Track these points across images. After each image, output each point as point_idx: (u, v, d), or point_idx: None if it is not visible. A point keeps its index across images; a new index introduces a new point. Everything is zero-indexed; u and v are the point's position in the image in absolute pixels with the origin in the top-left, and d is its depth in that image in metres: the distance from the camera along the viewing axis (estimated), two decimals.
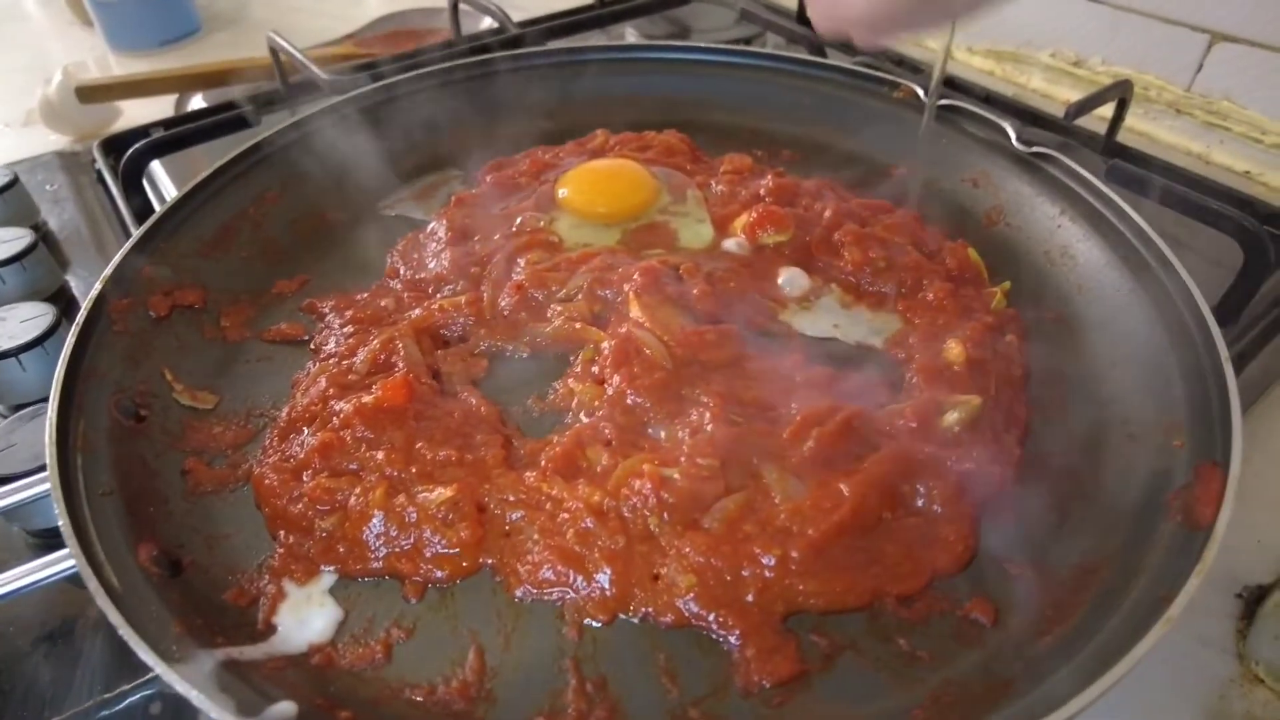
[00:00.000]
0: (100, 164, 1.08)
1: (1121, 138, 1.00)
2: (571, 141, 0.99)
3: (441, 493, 0.60)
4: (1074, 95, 1.12)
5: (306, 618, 0.58)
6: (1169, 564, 0.52)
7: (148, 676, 0.60)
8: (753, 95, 1.06)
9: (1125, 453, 0.63)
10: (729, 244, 0.83)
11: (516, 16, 1.23)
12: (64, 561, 0.55)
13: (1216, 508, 0.52)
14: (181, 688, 0.47)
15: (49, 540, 0.69)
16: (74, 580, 0.54)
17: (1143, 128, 1.20)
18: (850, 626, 0.56)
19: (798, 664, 0.54)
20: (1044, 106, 1.10)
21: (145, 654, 0.48)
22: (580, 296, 0.76)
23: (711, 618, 0.55)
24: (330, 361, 0.73)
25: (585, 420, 0.67)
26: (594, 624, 0.57)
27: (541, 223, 0.86)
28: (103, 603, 0.51)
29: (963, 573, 0.59)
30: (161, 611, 0.54)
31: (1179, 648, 0.61)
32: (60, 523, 0.55)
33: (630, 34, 1.44)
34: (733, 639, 0.55)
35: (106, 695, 0.61)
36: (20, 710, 0.60)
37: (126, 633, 0.49)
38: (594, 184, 0.89)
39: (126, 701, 0.60)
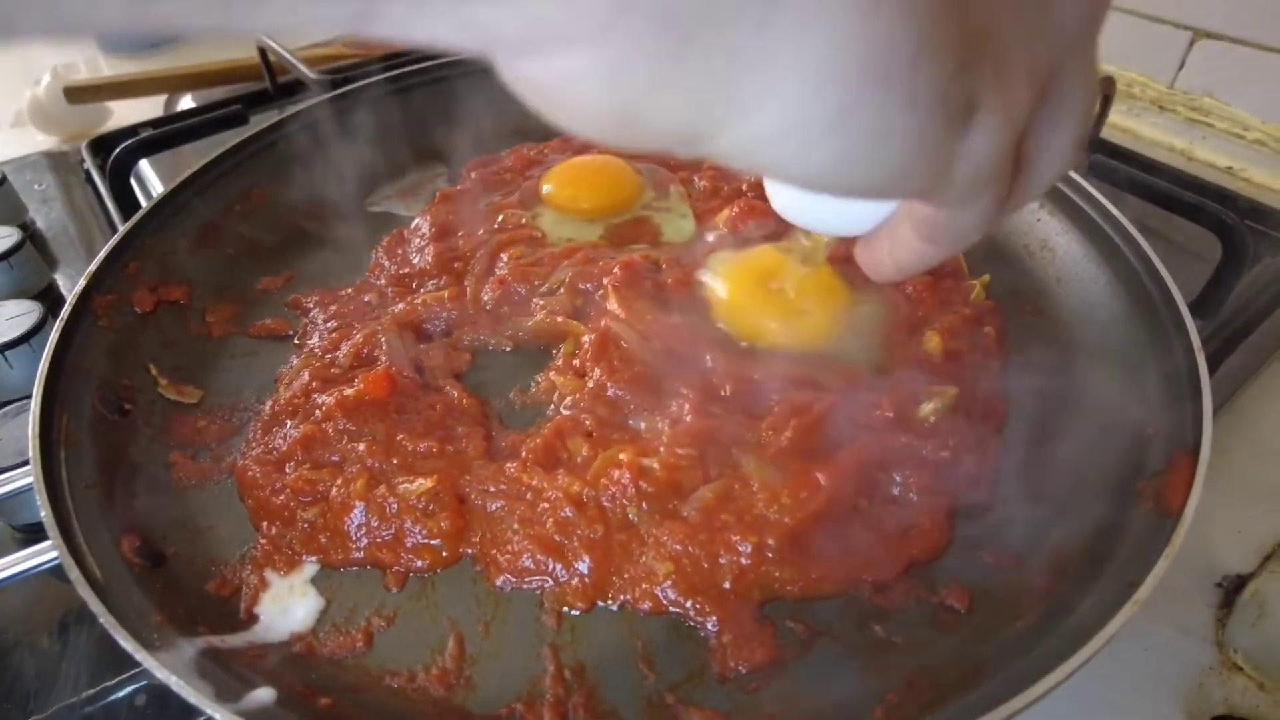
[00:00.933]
0: (88, 163, 1.08)
1: (1105, 134, 1.01)
2: (557, 138, 1.00)
3: (422, 483, 0.61)
4: None
5: (288, 607, 0.58)
6: (1140, 550, 0.53)
7: (133, 671, 0.61)
8: None
9: (1100, 441, 0.64)
10: (711, 238, 0.84)
11: None
12: (47, 553, 0.56)
13: (1186, 493, 0.53)
14: (161, 674, 0.47)
15: (33, 535, 0.69)
16: (57, 573, 0.54)
17: (1126, 124, 1.21)
18: (826, 613, 0.56)
19: (774, 650, 0.54)
20: None
21: (125, 641, 0.48)
22: (562, 291, 0.76)
23: (689, 605, 0.56)
24: (313, 355, 0.73)
25: (566, 412, 0.67)
26: (573, 612, 0.57)
27: (525, 218, 0.86)
28: (84, 592, 0.51)
29: (938, 560, 0.59)
30: (143, 601, 0.54)
31: (1159, 637, 0.61)
32: (42, 514, 0.56)
33: None
34: (710, 625, 0.55)
35: (91, 690, 0.61)
36: (5, 705, 0.60)
37: (107, 621, 0.49)
38: (578, 180, 0.89)
39: (112, 697, 0.61)
